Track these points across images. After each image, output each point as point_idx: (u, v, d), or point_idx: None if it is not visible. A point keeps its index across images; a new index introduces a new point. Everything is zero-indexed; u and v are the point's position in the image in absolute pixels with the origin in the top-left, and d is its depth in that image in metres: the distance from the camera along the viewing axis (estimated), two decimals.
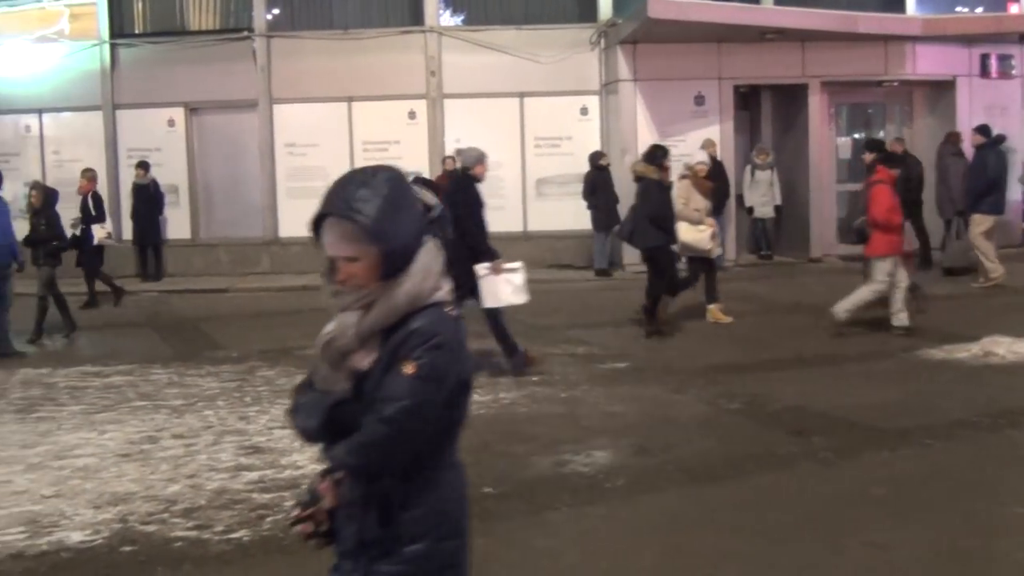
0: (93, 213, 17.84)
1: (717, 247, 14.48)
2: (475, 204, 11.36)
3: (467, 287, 10.81)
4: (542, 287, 18.87)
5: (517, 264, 11.20)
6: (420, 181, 8.81)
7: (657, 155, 13.59)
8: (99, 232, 17.54)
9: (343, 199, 3.13)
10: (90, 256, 17.74)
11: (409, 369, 3.07)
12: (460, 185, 11.65)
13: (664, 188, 13.44)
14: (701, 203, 13.94)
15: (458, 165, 11.76)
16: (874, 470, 7.90)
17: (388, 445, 3.08)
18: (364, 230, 3.08)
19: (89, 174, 18.51)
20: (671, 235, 13.34)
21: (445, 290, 3.25)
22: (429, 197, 8.87)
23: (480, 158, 11.62)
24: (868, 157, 15.36)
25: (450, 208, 11.36)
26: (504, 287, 11.10)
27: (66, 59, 22.39)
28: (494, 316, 11.28)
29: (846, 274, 15.28)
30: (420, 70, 21.66)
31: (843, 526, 6.68)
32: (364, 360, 3.18)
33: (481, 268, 11.07)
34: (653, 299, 13.50)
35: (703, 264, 14.15)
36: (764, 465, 8.07)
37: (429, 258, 3.22)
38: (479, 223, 11.29)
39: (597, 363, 12.08)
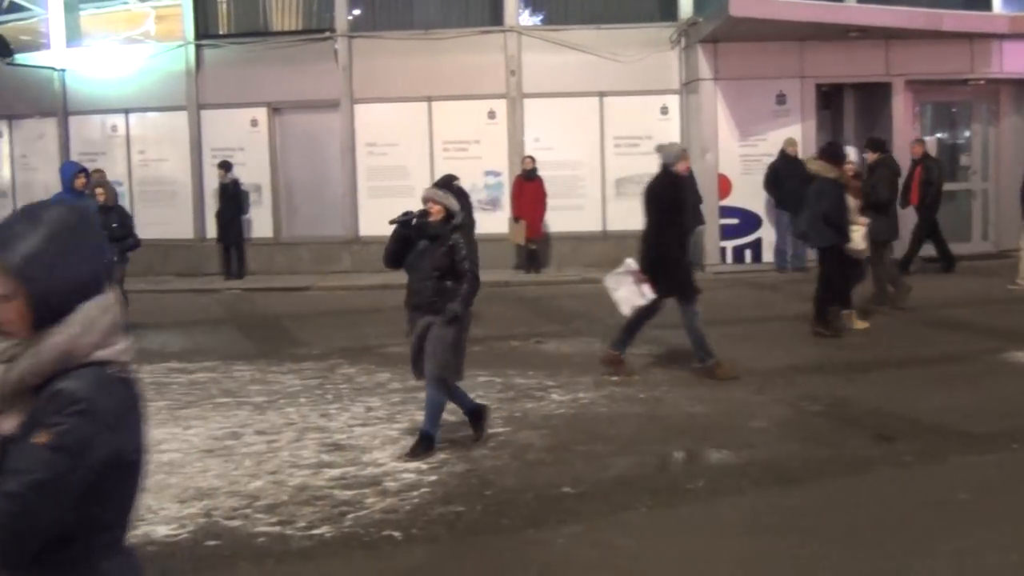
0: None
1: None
2: (678, 203, 11.12)
3: (670, 285, 10.90)
4: None
5: (650, 295, 10.94)
6: (447, 185, 8.74)
7: (837, 153, 13.33)
8: None
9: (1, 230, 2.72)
10: None
11: (42, 438, 2.57)
12: (662, 183, 11.23)
13: (840, 186, 13.04)
14: (851, 202, 13.55)
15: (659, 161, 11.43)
16: (959, 475, 7.78)
17: (9, 526, 2.55)
18: (9, 267, 2.64)
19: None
20: (844, 236, 13.03)
21: (116, 349, 2.75)
22: (452, 203, 8.83)
23: (682, 154, 11.35)
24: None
25: (652, 204, 11.16)
26: (624, 291, 11.01)
27: (152, 60, 22.78)
28: (692, 315, 11.14)
29: (928, 274, 15.08)
30: (500, 70, 21.71)
31: (928, 532, 6.59)
32: (8, 423, 2.67)
33: (631, 263, 11.02)
34: (824, 301, 13.27)
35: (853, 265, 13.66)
36: (847, 468, 7.98)
37: (95, 311, 2.73)
38: (676, 222, 11.08)
39: (677, 364, 12.02)
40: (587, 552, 6.46)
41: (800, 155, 19.60)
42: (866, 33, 19.68)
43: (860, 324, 13.56)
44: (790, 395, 10.36)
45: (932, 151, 20.64)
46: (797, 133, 20.01)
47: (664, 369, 11.73)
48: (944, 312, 14.60)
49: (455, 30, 21.82)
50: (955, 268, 18.71)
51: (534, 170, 20.54)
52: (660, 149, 11.51)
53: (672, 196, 11.10)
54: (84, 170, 13.84)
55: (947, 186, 20.02)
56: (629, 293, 11.02)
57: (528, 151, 21.13)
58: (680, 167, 11.22)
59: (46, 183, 22.35)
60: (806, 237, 13.69)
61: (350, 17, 22.32)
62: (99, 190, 14.77)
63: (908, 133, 20.48)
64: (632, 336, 11.44)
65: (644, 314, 11.19)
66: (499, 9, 21.86)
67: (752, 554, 6.40)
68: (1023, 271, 16.37)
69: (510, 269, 21.09)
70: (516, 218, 20.52)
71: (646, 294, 10.93)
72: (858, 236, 13.33)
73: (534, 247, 20.86)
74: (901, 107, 20.74)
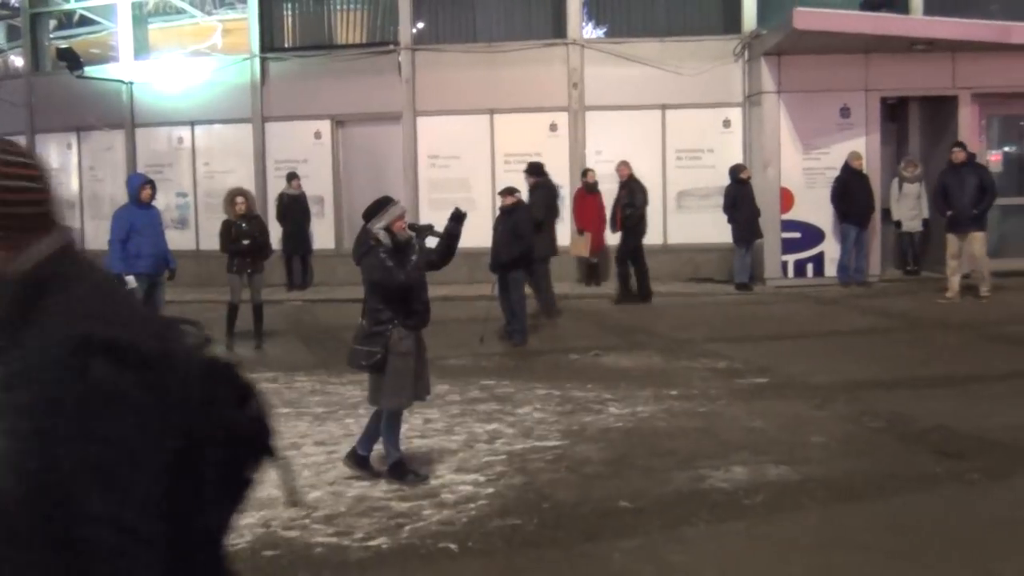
0: None
1: None
2: None
3: None
4: (681, 300, 18.79)
5: None
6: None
7: None
8: None
9: None
10: None
11: None
12: None
13: None
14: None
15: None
16: None
17: None
18: None
19: None
20: None
21: None
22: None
23: None
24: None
25: None
26: None
27: (217, 73, 23.04)
28: None
29: (1000, 291, 14.87)
30: (562, 82, 21.71)
31: (994, 551, 6.47)
32: None
33: None
34: None
35: None
36: (910, 486, 7.86)
37: None
38: None
39: (737, 378, 11.93)
40: (644, 567, 6.41)
41: (864, 169, 19.50)
42: (932, 46, 19.47)
43: None
44: (852, 411, 10.23)
45: (998, 166, 20.43)
46: (861, 146, 19.83)
47: (723, 383, 11.64)
48: (1008, 328, 14.38)
49: (518, 43, 21.85)
50: (651, 299, 18.67)
51: (597, 183, 20.49)
52: None
53: None
54: (150, 182, 13.95)
55: (1011, 200, 19.88)
56: None
57: (589, 164, 21.09)
58: None
59: (113, 195, 22.67)
60: None
61: (414, 30, 22.44)
62: (239, 199, 14.83)
63: (975, 147, 20.20)
64: None
65: None
66: (562, 22, 21.88)
67: (814, 570, 6.32)
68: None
69: (571, 282, 21.05)
70: (580, 231, 20.46)
71: None
72: None
73: (595, 260, 20.81)
74: (967, 120, 20.48)
